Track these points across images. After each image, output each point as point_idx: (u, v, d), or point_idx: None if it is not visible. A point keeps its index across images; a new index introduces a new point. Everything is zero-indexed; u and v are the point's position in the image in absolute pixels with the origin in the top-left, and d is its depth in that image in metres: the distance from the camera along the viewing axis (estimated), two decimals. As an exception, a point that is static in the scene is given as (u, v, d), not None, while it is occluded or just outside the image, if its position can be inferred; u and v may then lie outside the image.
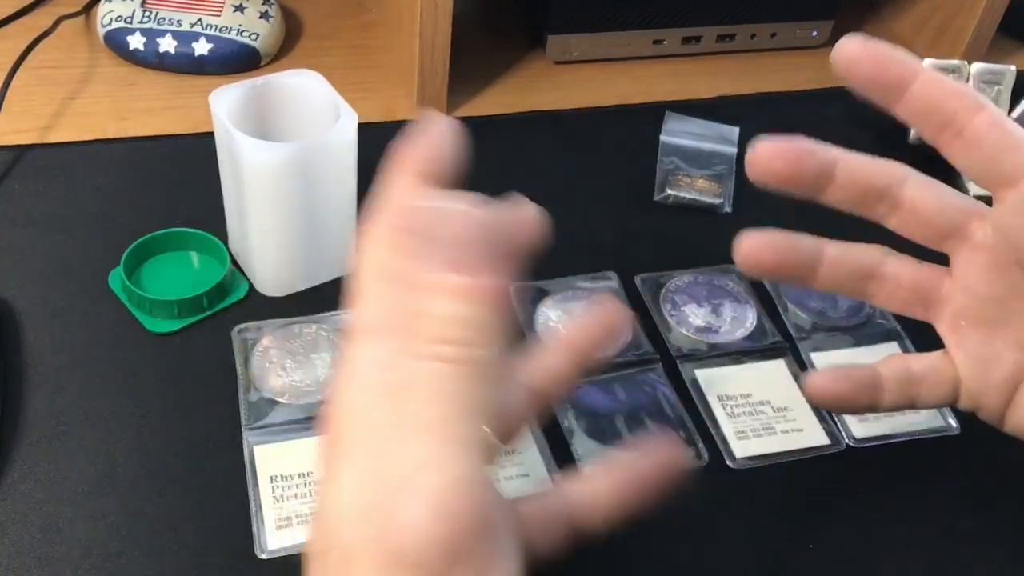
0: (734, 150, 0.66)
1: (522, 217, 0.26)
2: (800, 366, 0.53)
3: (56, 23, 0.67)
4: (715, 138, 0.66)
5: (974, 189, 0.59)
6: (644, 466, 0.36)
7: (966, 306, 0.38)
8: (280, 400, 0.47)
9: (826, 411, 0.44)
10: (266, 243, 0.51)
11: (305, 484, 0.44)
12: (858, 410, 0.41)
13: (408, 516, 0.24)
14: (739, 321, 0.54)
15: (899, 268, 0.39)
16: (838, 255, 0.39)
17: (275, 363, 0.49)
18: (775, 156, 0.37)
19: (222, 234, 0.54)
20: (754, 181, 0.37)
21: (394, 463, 0.24)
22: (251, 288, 0.53)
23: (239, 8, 0.68)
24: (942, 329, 0.39)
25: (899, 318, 0.56)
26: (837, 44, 0.36)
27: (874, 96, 0.37)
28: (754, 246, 0.39)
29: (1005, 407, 0.39)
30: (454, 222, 0.25)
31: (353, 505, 0.25)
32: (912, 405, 0.40)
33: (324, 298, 0.53)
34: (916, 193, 0.38)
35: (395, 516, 0.24)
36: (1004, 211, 0.36)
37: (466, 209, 0.25)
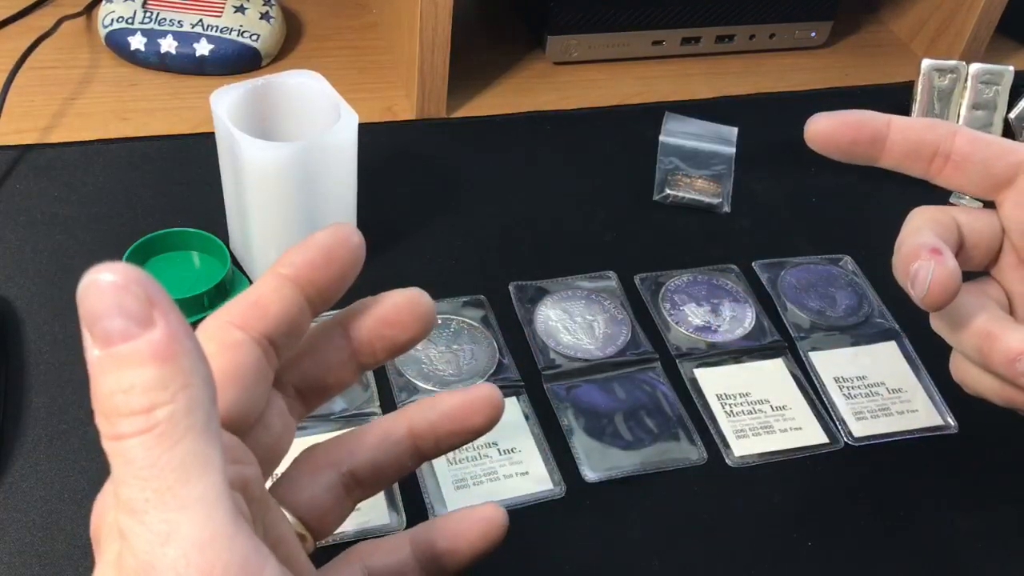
0: (733, 150, 0.66)
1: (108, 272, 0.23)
2: (799, 365, 0.53)
3: (57, 24, 0.67)
4: (714, 138, 0.66)
5: (967, 202, 0.59)
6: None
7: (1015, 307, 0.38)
8: (281, 399, 0.47)
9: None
10: (267, 243, 0.51)
11: (306, 482, 0.45)
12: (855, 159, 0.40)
13: None
14: (738, 320, 0.55)
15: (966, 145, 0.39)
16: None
17: (276, 362, 0.49)
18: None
19: (223, 234, 0.54)
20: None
21: (137, 550, 0.23)
22: (252, 287, 0.53)
23: (240, 9, 0.68)
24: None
25: (897, 317, 0.56)
26: (807, 125, 0.38)
27: (859, 158, 0.38)
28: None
29: None
30: (89, 299, 0.23)
31: None
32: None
33: (324, 297, 0.53)
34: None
35: None
36: (1008, 209, 0.38)
37: (91, 280, 0.23)
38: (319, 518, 0.33)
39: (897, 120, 0.38)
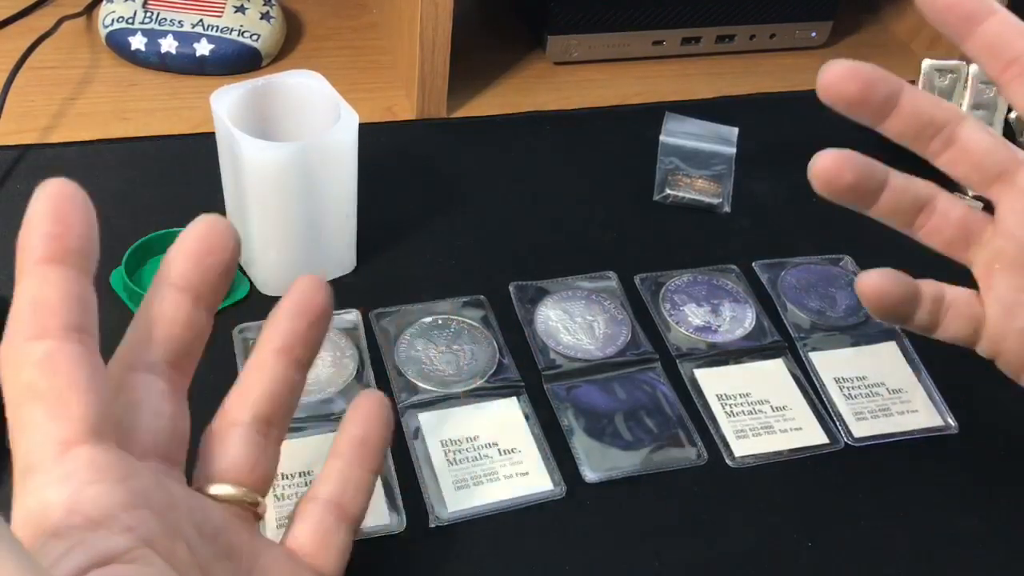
0: (733, 150, 0.66)
1: None
2: (799, 365, 0.53)
3: (57, 24, 0.67)
4: (714, 138, 0.66)
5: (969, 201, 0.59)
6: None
7: (1002, 249, 0.39)
8: (281, 399, 0.47)
9: (875, 315, 0.43)
10: (267, 243, 0.51)
11: (305, 483, 0.45)
12: (896, 317, 0.41)
13: None
14: (738, 320, 0.55)
15: (949, 205, 0.40)
16: (902, 184, 0.40)
17: (276, 362, 0.49)
18: (849, 78, 0.37)
19: (223, 234, 0.54)
20: (825, 102, 0.37)
21: None
22: (252, 288, 0.53)
23: (240, 9, 0.68)
24: (977, 271, 0.40)
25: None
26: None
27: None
28: (833, 163, 0.38)
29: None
30: None
31: None
32: (934, 329, 0.41)
33: (324, 298, 0.53)
34: (971, 134, 0.38)
35: None
36: (1006, 209, 0.38)
37: None
38: (251, 472, 0.33)
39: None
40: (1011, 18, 0.37)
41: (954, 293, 0.41)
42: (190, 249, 0.32)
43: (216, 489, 0.32)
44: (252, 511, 0.33)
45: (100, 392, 0.28)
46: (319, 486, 0.36)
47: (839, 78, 0.37)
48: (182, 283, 0.32)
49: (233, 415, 0.33)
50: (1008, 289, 0.39)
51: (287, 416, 0.35)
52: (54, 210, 0.28)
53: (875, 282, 0.40)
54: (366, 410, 0.38)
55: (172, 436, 0.31)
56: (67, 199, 0.29)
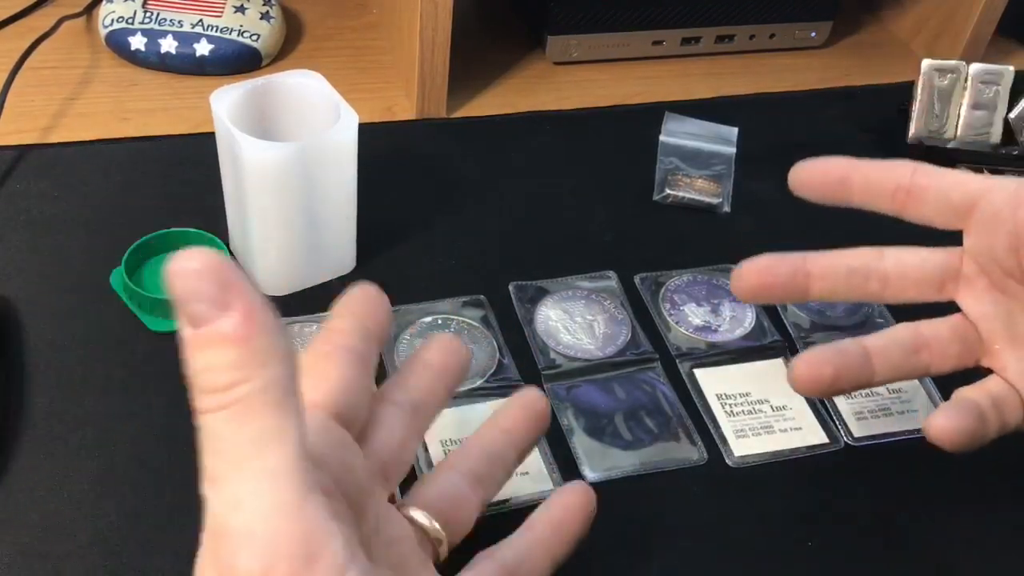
0: (733, 150, 0.66)
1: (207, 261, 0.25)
2: (799, 365, 0.53)
3: (57, 24, 0.67)
4: (714, 138, 0.66)
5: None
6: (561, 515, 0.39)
7: (992, 331, 0.41)
8: (281, 399, 0.47)
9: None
10: (267, 243, 0.51)
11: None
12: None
13: (231, 560, 0.26)
14: (738, 320, 0.55)
15: (935, 331, 0.42)
16: (882, 345, 0.41)
17: (276, 362, 0.49)
18: (747, 274, 0.42)
19: (223, 234, 0.54)
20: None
21: (212, 515, 0.26)
22: (252, 287, 0.53)
23: (240, 9, 0.68)
24: (994, 364, 0.41)
25: (897, 317, 0.56)
26: (792, 173, 0.42)
27: (831, 199, 0.42)
28: (808, 367, 0.41)
29: None
30: (176, 284, 0.25)
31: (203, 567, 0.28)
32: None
33: (325, 297, 0.53)
34: (897, 259, 0.41)
35: (224, 562, 0.26)
36: (973, 237, 0.40)
37: (176, 266, 0.25)
38: (448, 510, 0.36)
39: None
40: (874, 162, 0.41)
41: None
42: (441, 346, 0.39)
43: (411, 511, 0.36)
44: (434, 547, 0.36)
45: (354, 389, 0.33)
46: (505, 550, 0.37)
47: (740, 281, 0.42)
48: (435, 369, 0.38)
49: (453, 462, 0.38)
50: (1020, 360, 0.40)
51: (497, 483, 0.39)
52: (364, 295, 0.37)
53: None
54: (569, 502, 0.39)
55: (395, 457, 0.35)
56: (374, 292, 0.38)
